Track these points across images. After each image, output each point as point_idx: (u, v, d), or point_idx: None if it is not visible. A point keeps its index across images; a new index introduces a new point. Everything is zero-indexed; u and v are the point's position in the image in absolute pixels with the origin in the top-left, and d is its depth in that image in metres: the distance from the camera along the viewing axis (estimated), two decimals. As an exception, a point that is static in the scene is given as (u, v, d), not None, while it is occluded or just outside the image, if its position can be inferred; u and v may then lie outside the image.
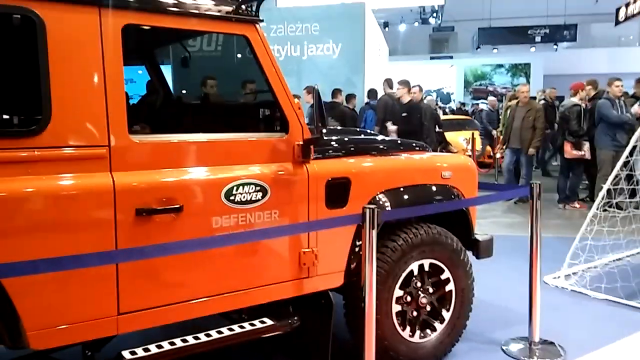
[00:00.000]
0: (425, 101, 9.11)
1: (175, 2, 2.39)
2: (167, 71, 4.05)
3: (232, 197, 2.46)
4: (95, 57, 2.19)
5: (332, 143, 2.93)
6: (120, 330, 2.26)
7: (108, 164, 2.22)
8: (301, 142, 2.64)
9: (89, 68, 2.18)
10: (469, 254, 3.31)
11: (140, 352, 2.31)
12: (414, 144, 3.47)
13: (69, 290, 2.13)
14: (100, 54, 2.19)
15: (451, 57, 25.85)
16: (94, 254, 2.09)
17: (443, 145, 9.40)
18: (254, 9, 2.57)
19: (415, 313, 3.07)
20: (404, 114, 8.04)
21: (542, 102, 10.13)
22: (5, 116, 2.25)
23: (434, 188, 3.14)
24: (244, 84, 4.77)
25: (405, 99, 8.11)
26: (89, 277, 2.15)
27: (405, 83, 8.17)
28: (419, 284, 3.07)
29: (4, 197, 2.00)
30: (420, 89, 8.47)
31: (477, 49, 25.29)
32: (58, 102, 2.10)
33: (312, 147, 2.66)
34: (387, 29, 24.68)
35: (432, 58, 26.21)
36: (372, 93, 9.31)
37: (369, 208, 2.51)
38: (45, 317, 2.09)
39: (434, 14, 24.71)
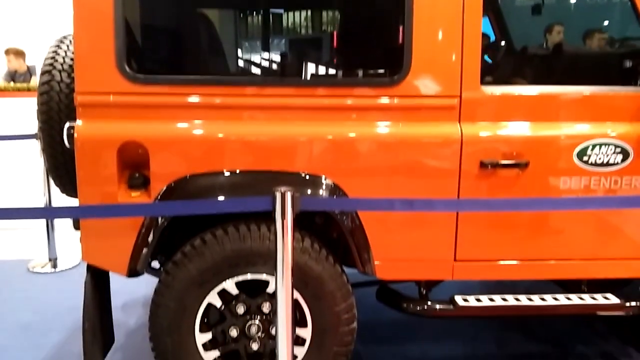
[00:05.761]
0: None
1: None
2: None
3: (585, 158, 2.23)
4: (457, 9, 2.20)
5: None
6: (454, 277, 2.33)
7: (457, 114, 2.25)
8: None
9: (449, 20, 2.20)
10: None
11: (472, 300, 2.36)
12: None
13: (413, 231, 2.29)
14: (462, 5, 2.19)
15: None
16: (442, 200, 2.18)
17: None
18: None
19: None
20: None
21: None
22: (371, 67, 2.47)
23: None
24: (593, 32, 4.23)
25: None
26: (432, 221, 2.27)
27: None
28: None
29: (369, 139, 2.22)
30: None
31: None
32: (418, 53, 2.20)
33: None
34: None
35: None
36: None
37: None
38: (391, 252, 2.30)
39: None
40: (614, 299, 2.38)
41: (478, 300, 2.36)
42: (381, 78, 2.34)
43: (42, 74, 2.35)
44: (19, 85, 6.76)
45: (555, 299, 2.38)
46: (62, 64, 2.35)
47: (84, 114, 2.15)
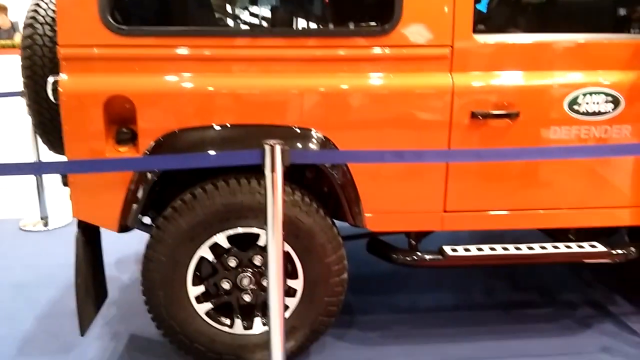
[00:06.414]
0: None
1: None
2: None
3: (576, 107, 2.22)
4: None
5: None
6: (444, 227, 2.35)
7: (449, 64, 2.22)
8: None
9: None
10: None
11: (460, 250, 2.39)
12: None
13: (403, 182, 2.29)
14: None
15: None
16: (432, 151, 2.18)
17: None
18: None
19: None
20: None
21: None
22: (361, 16, 2.42)
23: None
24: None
25: None
26: (422, 172, 2.27)
27: None
28: None
29: (359, 90, 2.20)
30: None
31: None
32: (409, 1, 2.15)
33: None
34: None
35: None
36: None
37: None
38: (381, 204, 2.31)
39: None
40: (600, 247, 2.42)
41: (467, 250, 2.39)
42: (372, 27, 2.29)
43: (25, 27, 2.28)
44: (3, 42, 6.61)
45: (543, 247, 2.41)
46: (44, 17, 2.28)
47: (67, 67, 2.10)
